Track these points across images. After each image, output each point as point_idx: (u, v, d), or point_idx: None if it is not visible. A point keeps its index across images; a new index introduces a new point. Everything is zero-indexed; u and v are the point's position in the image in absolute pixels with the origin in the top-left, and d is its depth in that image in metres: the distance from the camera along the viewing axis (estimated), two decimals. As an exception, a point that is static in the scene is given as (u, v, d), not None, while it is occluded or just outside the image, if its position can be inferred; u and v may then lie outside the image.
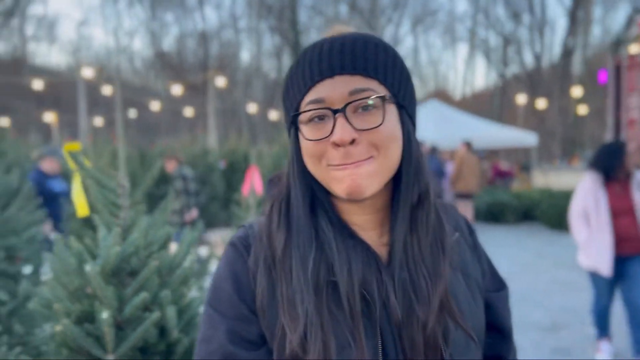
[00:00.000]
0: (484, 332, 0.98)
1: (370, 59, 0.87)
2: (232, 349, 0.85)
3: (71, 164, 1.95)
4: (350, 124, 0.83)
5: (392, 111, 0.87)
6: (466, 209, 10.44)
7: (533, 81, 35.25)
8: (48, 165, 5.53)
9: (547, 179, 17.26)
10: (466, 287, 0.95)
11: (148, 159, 13.37)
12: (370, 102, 0.84)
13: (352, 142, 0.83)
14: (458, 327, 0.88)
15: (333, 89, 0.84)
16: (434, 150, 10.41)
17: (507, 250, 9.10)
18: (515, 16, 36.60)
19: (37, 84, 13.66)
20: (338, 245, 0.87)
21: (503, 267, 7.76)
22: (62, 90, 26.46)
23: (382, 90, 0.86)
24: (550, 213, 11.17)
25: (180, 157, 7.58)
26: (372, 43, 0.89)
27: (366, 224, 0.92)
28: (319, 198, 0.91)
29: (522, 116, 26.28)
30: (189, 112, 20.66)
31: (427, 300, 0.86)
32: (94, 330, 1.86)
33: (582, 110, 28.42)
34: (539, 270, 7.61)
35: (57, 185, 5.70)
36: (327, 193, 0.92)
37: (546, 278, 7.15)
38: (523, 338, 4.91)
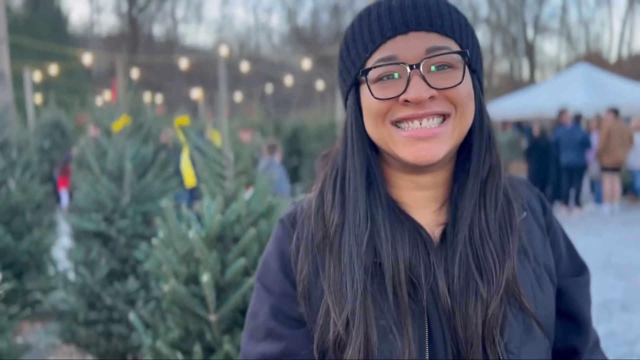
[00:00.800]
0: (552, 321, 0.88)
1: (446, 16, 0.81)
2: (275, 325, 0.85)
3: (181, 137, 2.08)
4: (426, 81, 0.77)
5: (468, 73, 0.81)
6: (614, 184, 9.46)
7: None
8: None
9: None
10: (531, 271, 0.86)
11: (282, 131, 13.94)
12: (447, 59, 0.78)
13: (429, 99, 0.78)
14: (519, 314, 0.81)
15: (407, 47, 0.78)
16: (578, 119, 9.50)
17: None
18: (689, -37, 31.72)
19: (184, 63, 14.84)
20: (386, 228, 0.82)
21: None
22: (207, 67, 28.46)
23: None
24: None
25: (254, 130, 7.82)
26: (444, 2, 0.83)
27: (420, 202, 0.87)
28: (373, 172, 0.87)
29: (691, 78, 22.94)
30: (320, 85, 21.08)
31: (494, 279, 0.79)
32: (199, 292, 2.00)
33: None
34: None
35: None
36: (381, 165, 0.87)
37: None
38: (671, 329, 4.38)
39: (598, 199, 9.85)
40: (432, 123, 0.78)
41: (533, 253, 0.88)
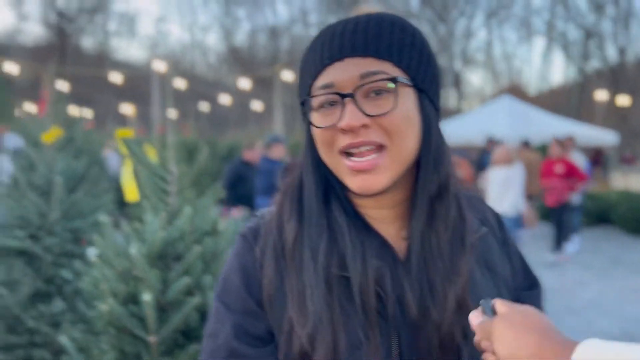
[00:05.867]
0: None
1: (384, 38, 0.81)
2: (237, 345, 0.82)
3: (123, 150, 2.00)
4: (360, 109, 0.78)
5: (408, 95, 0.82)
6: (529, 211, 10.00)
7: (616, 77, 33.21)
8: (276, 152, 5.96)
9: (627, 180, 16.20)
10: (492, 285, 0.89)
11: (218, 150, 13.73)
12: (382, 85, 0.79)
13: (362, 127, 0.79)
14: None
15: (343, 73, 0.80)
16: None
17: (578, 255, 8.62)
18: (598, 8, 34.58)
19: (116, 77, 14.40)
20: (352, 238, 0.83)
21: (571, 274, 7.37)
22: (139, 83, 27.72)
23: (397, 73, 0.81)
24: (629, 216, 10.48)
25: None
26: (388, 21, 0.83)
27: (384, 218, 0.88)
28: (333, 188, 0.88)
29: (601, 113, 24.84)
30: (257, 105, 21.07)
31: (443, 300, 0.81)
32: (137, 312, 1.91)
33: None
34: (613, 277, 7.16)
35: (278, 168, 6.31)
36: (342, 184, 0.88)
37: (619, 285, 6.72)
38: (589, 347, 4.64)
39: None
40: (370, 153, 0.80)
41: (493, 266, 0.91)
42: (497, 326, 0.67)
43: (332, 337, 0.77)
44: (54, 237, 3.42)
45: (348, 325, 0.79)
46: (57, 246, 3.43)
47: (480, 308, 0.74)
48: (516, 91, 33.35)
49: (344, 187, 0.88)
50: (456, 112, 31.75)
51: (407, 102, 0.81)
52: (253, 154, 7.01)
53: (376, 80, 0.79)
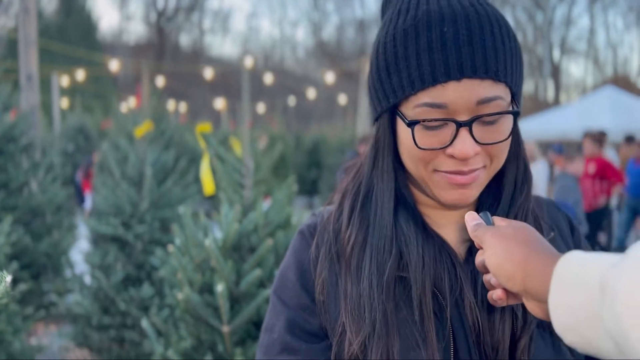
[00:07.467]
0: None
1: (499, 54, 0.74)
2: (290, 339, 0.83)
3: (202, 144, 2.06)
4: (473, 137, 0.74)
5: (511, 117, 0.78)
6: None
7: None
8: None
9: None
10: None
11: (303, 143, 13.96)
12: (501, 117, 0.76)
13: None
14: (545, 335, 0.80)
15: (459, 96, 0.72)
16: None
17: None
18: None
19: (208, 73, 14.99)
20: (418, 245, 0.81)
21: None
22: (231, 78, 28.73)
23: (507, 95, 0.76)
24: None
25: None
26: (496, 24, 0.75)
27: (447, 221, 0.86)
28: (401, 192, 0.85)
29: None
30: (342, 99, 21.16)
31: (520, 305, 0.78)
32: (212, 301, 1.97)
33: None
34: None
35: None
36: (410, 187, 0.86)
37: None
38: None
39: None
40: (473, 175, 0.78)
41: None
42: (489, 235, 0.68)
43: (386, 342, 0.76)
44: (144, 225, 3.62)
45: (404, 328, 0.77)
46: (147, 234, 3.63)
47: (479, 215, 0.76)
48: (622, 82, 30.94)
49: (410, 191, 0.86)
50: (554, 104, 30.05)
51: (511, 124, 0.78)
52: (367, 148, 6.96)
53: (495, 113, 0.74)
